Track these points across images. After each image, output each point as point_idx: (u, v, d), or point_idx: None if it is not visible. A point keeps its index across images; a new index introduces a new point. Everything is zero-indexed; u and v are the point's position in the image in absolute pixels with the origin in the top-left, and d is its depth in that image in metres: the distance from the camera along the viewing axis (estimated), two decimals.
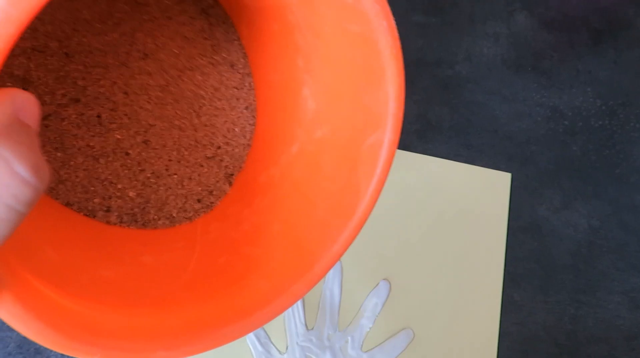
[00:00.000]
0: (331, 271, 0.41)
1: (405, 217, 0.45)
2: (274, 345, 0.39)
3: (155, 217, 0.31)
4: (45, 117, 0.29)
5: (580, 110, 0.51)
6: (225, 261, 0.29)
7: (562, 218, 0.46)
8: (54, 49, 0.29)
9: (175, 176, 0.32)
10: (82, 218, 0.29)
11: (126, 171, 0.31)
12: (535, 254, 0.44)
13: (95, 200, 0.30)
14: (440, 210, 0.45)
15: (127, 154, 0.31)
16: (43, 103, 0.29)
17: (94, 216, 0.30)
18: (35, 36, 0.29)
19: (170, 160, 0.32)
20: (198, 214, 0.33)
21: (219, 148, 0.33)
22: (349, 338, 0.40)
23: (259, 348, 0.39)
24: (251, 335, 0.39)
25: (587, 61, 0.53)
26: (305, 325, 0.40)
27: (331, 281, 0.42)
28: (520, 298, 0.43)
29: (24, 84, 0.28)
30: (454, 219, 0.45)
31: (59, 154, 0.29)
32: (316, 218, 0.29)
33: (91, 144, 0.30)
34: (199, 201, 0.33)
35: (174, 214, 0.32)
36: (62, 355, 0.38)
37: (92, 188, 0.30)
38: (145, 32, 0.31)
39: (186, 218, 0.32)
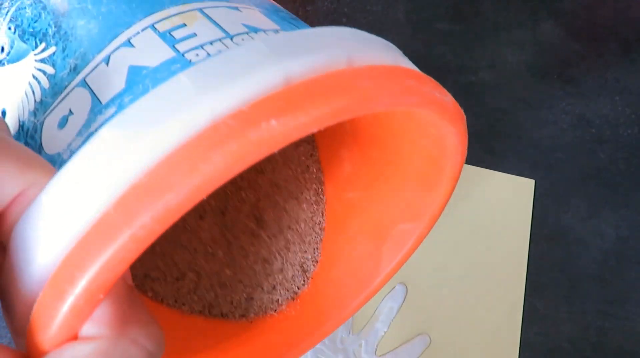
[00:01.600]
0: None
1: None
2: None
3: None
4: None
5: (608, 118, 0.49)
6: None
7: (589, 227, 0.44)
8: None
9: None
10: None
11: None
12: (560, 263, 0.42)
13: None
14: (461, 215, 0.44)
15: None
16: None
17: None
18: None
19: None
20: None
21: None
22: (363, 342, 0.39)
23: None
24: None
25: (615, 70, 0.52)
26: None
27: None
28: (544, 308, 0.41)
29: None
30: (475, 225, 0.43)
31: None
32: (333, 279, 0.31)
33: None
34: None
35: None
36: None
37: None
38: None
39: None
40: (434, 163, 0.25)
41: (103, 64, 0.19)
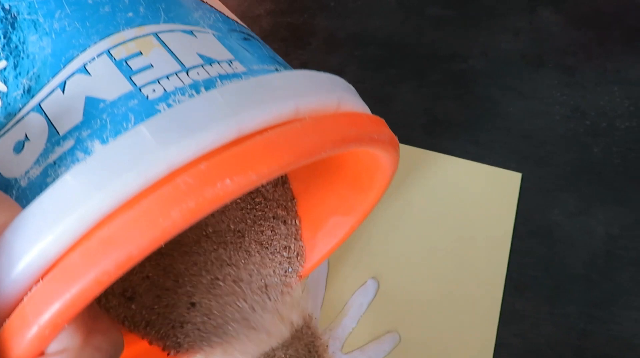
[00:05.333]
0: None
1: (401, 213, 0.42)
2: None
3: None
4: None
5: (605, 110, 0.46)
6: None
7: (577, 224, 0.41)
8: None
9: None
10: None
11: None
12: (544, 261, 0.40)
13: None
14: (440, 208, 0.42)
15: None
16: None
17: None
18: None
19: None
20: None
21: None
22: (329, 337, 0.37)
23: None
24: None
25: (616, 60, 0.49)
26: None
27: (316, 276, 0.39)
28: (523, 308, 0.38)
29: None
30: (455, 219, 0.41)
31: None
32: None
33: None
34: None
35: None
36: None
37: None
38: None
39: None
40: (368, 172, 0.27)
41: (59, 91, 0.19)
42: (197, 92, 0.19)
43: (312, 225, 0.33)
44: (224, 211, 0.32)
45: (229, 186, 0.16)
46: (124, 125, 0.18)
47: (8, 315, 0.16)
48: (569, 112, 0.46)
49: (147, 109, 0.18)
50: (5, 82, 0.20)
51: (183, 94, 0.19)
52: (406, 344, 0.37)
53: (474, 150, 0.45)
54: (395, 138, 0.24)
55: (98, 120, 0.18)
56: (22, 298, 0.16)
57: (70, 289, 0.15)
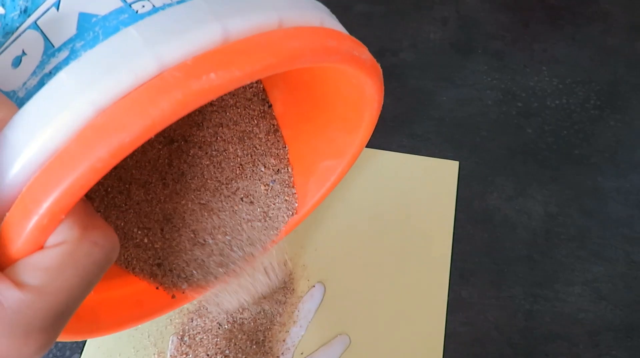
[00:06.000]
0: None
1: (343, 214, 0.42)
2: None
3: None
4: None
5: (535, 90, 0.47)
6: None
7: (516, 206, 0.42)
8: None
9: None
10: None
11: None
12: (486, 247, 0.40)
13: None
14: (381, 204, 0.42)
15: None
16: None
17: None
18: None
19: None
20: None
21: None
22: (281, 346, 0.37)
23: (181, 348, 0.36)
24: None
25: (542, 40, 0.50)
26: None
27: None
28: (469, 296, 0.39)
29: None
30: (396, 214, 0.41)
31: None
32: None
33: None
34: None
35: None
36: None
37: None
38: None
39: None
40: (355, 108, 0.28)
41: (54, 9, 0.20)
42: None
43: (304, 171, 0.33)
44: (221, 162, 0.33)
45: (214, 80, 0.16)
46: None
47: (9, 209, 0.16)
48: (500, 96, 0.47)
49: (136, 22, 0.19)
50: (3, 5, 0.21)
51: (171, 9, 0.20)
52: (357, 345, 0.37)
53: (410, 143, 0.45)
54: (378, 64, 0.24)
55: (90, 32, 0.19)
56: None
57: (68, 177, 0.15)
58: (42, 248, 0.17)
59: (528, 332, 0.38)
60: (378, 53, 0.50)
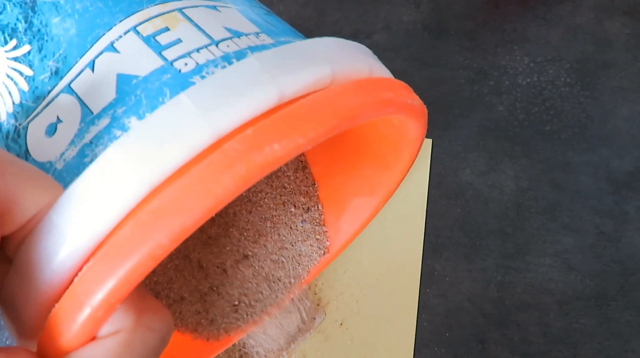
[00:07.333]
0: None
1: None
2: None
3: None
4: None
5: (506, 69, 0.48)
6: None
7: (488, 181, 0.42)
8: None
9: None
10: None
11: None
12: (459, 221, 0.41)
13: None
14: None
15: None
16: None
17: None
18: None
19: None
20: None
21: None
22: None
23: None
24: None
25: (513, 20, 0.51)
26: None
27: None
28: (442, 269, 0.39)
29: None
30: None
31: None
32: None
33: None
34: None
35: None
36: None
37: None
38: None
39: None
40: (394, 147, 0.27)
41: (88, 70, 0.18)
42: (230, 63, 0.18)
43: (335, 208, 0.32)
44: (250, 208, 0.32)
45: (278, 151, 0.15)
46: (160, 99, 0.18)
47: (57, 299, 0.15)
48: (472, 75, 0.48)
49: (181, 82, 0.18)
50: (30, 67, 0.20)
51: (216, 67, 0.18)
52: (331, 319, 0.38)
53: None
54: (424, 107, 0.24)
55: (132, 96, 0.18)
56: (72, 281, 0.15)
57: (124, 265, 0.14)
58: (94, 338, 0.16)
59: (500, 302, 0.38)
60: (352, 36, 0.50)
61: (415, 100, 0.22)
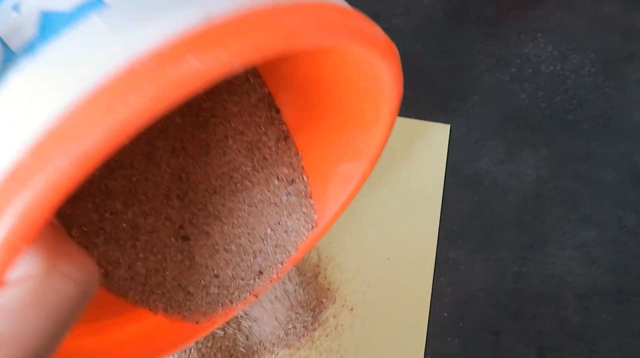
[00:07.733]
0: None
1: None
2: None
3: None
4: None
5: (529, 57, 0.46)
6: None
7: (506, 170, 0.41)
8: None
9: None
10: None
11: None
12: (476, 209, 0.40)
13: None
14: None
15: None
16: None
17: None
18: None
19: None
20: None
21: None
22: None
23: None
24: None
25: (537, 7, 0.49)
26: None
27: None
28: (457, 257, 0.38)
29: None
30: (386, 175, 0.41)
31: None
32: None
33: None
34: None
35: None
36: None
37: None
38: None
39: None
40: (372, 101, 0.25)
41: (14, 13, 0.17)
42: None
43: (321, 178, 0.30)
44: (231, 184, 0.30)
45: (195, 66, 0.14)
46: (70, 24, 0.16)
47: None
48: (493, 62, 0.46)
49: (94, 4, 0.16)
50: None
51: None
52: (343, 304, 0.36)
53: (402, 107, 0.44)
54: (393, 45, 0.21)
55: (55, 33, 0.17)
56: None
57: (23, 197, 0.13)
58: (3, 283, 0.14)
59: (516, 294, 0.37)
60: (371, 18, 0.49)
61: (376, 31, 0.20)
